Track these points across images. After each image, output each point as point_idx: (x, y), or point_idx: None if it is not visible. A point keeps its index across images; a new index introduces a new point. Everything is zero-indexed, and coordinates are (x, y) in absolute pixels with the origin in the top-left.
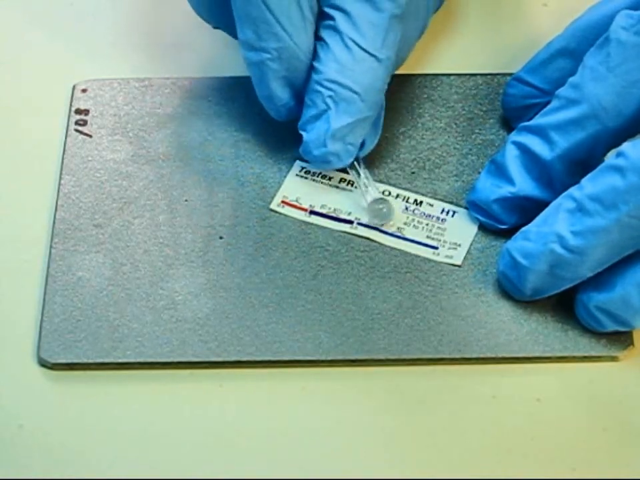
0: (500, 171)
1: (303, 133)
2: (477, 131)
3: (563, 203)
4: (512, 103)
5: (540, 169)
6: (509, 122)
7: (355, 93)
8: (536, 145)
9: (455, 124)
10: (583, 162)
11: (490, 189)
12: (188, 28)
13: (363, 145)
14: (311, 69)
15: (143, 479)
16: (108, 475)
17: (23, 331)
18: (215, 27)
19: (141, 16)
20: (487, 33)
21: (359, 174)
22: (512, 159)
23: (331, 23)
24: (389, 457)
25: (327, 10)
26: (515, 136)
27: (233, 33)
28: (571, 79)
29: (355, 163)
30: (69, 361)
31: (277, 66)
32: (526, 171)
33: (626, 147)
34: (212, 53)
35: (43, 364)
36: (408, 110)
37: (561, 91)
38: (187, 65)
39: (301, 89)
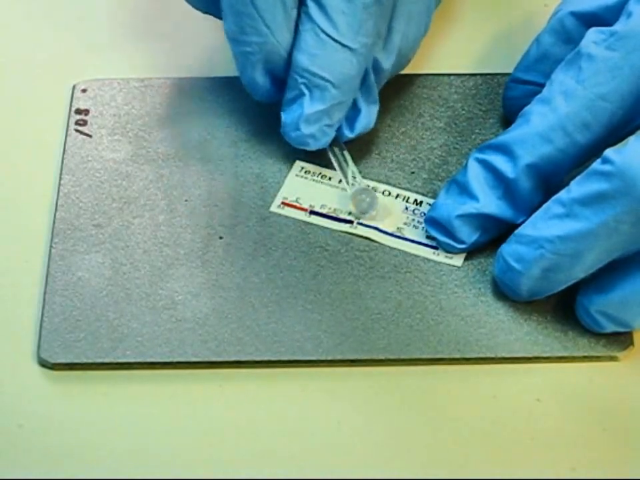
0: (462, 189)
1: (282, 114)
2: (476, 130)
3: (551, 207)
4: (515, 106)
5: (504, 187)
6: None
7: (327, 81)
8: (499, 162)
9: (455, 124)
10: (548, 178)
11: (452, 205)
12: (188, 28)
13: (354, 124)
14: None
15: (143, 478)
16: (108, 475)
17: (23, 330)
18: (204, 13)
19: (141, 16)
20: (487, 33)
21: (338, 161)
22: (474, 177)
23: (307, 10)
24: (389, 456)
25: None
26: (476, 154)
27: (220, 17)
28: (538, 96)
29: (336, 148)
30: (69, 360)
31: (258, 57)
32: (490, 189)
33: (610, 152)
34: (212, 53)
35: (43, 364)
36: (408, 110)
37: (528, 107)
38: (187, 65)
39: (281, 77)
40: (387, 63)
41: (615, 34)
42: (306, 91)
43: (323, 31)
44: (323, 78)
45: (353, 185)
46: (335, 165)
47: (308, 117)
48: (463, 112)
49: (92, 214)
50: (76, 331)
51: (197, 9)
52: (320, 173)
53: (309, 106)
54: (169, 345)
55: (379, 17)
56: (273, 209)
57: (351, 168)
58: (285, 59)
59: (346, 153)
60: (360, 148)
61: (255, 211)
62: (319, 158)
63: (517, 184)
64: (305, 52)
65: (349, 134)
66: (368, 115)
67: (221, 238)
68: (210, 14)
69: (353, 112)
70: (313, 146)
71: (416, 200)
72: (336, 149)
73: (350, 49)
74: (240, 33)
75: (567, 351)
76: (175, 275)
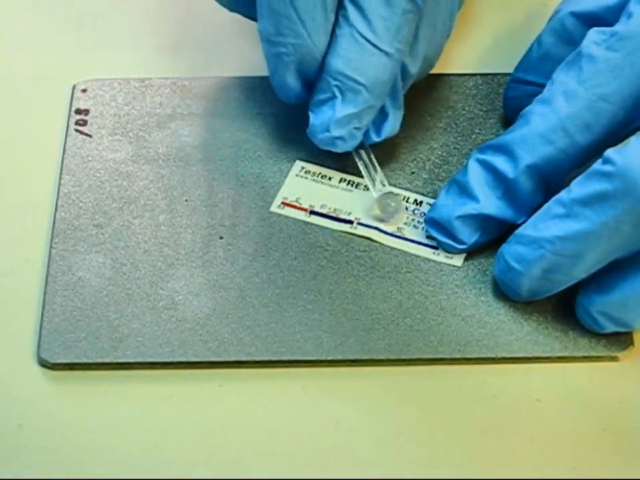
0: (462, 190)
1: (311, 115)
2: (476, 130)
3: (552, 207)
4: (515, 106)
5: (504, 188)
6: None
7: (361, 85)
8: (500, 162)
9: (456, 124)
10: (549, 179)
11: (452, 206)
12: (188, 28)
13: (381, 128)
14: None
15: (143, 478)
16: (108, 475)
17: (23, 330)
18: (231, 11)
19: (141, 16)
20: (487, 32)
21: (365, 164)
22: (475, 177)
23: (345, 14)
24: (389, 456)
25: (344, 1)
26: (477, 154)
27: (251, 16)
28: (538, 96)
29: (362, 151)
30: (69, 360)
31: (292, 59)
32: (490, 190)
33: (611, 152)
34: (211, 53)
35: (43, 364)
36: (408, 110)
37: (528, 108)
38: (187, 65)
39: (312, 80)
40: (413, 68)
41: (615, 34)
42: (338, 94)
43: (362, 35)
44: (356, 81)
45: (379, 188)
46: (361, 167)
47: (339, 120)
48: (464, 112)
49: (92, 214)
50: (76, 331)
51: (225, 7)
52: (320, 173)
53: (341, 109)
54: (169, 345)
55: (413, 24)
56: (273, 209)
57: (378, 171)
58: (319, 62)
59: (372, 156)
60: None
61: (255, 210)
62: (320, 158)
63: (518, 184)
64: (340, 55)
65: (375, 138)
66: (394, 120)
67: (221, 238)
68: (238, 13)
69: (380, 116)
70: (340, 148)
71: (416, 200)
72: (362, 152)
73: (386, 53)
74: (276, 34)
75: (567, 351)
76: (175, 275)
